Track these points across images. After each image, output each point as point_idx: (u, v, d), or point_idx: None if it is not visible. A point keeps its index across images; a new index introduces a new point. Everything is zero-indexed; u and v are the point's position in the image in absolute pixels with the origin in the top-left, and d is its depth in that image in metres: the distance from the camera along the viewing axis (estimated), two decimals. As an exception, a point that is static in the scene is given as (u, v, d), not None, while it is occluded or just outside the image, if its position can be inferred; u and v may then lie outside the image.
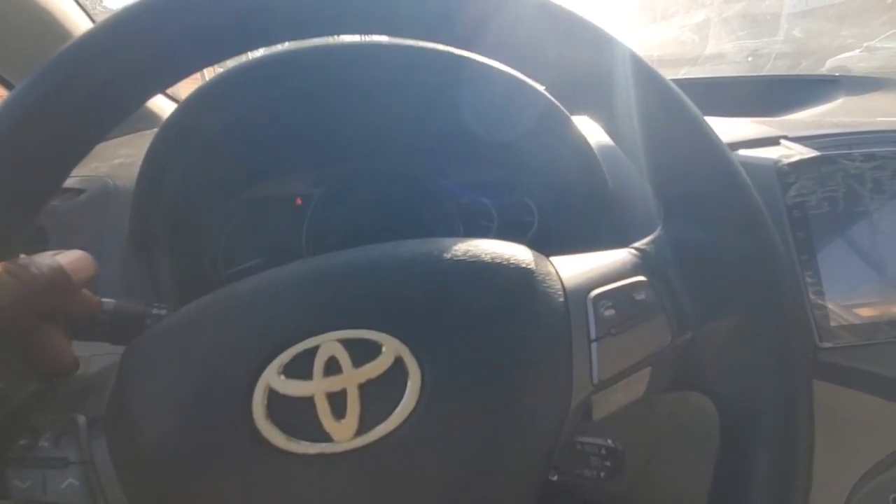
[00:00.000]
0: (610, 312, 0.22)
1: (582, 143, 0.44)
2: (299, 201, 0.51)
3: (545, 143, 0.46)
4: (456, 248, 0.23)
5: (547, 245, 0.55)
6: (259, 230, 0.51)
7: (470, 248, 0.23)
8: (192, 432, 0.20)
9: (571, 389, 0.21)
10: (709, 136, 0.23)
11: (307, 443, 0.19)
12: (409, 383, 0.20)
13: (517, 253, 0.23)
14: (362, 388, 0.20)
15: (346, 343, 0.20)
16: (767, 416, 0.23)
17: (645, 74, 0.23)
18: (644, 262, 0.24)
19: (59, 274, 0.23)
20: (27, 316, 0.22)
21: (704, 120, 0.24)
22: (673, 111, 0.23)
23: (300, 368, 0.20)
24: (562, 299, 0.22)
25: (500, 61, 0.25)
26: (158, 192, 0.42)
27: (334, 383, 0.19)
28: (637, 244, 0.26)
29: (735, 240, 0.23)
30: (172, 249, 0.44)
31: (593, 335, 0.22)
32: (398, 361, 0.20)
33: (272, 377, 0.20)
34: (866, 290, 0.37)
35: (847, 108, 0.64)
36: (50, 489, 0.20)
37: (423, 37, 0.24)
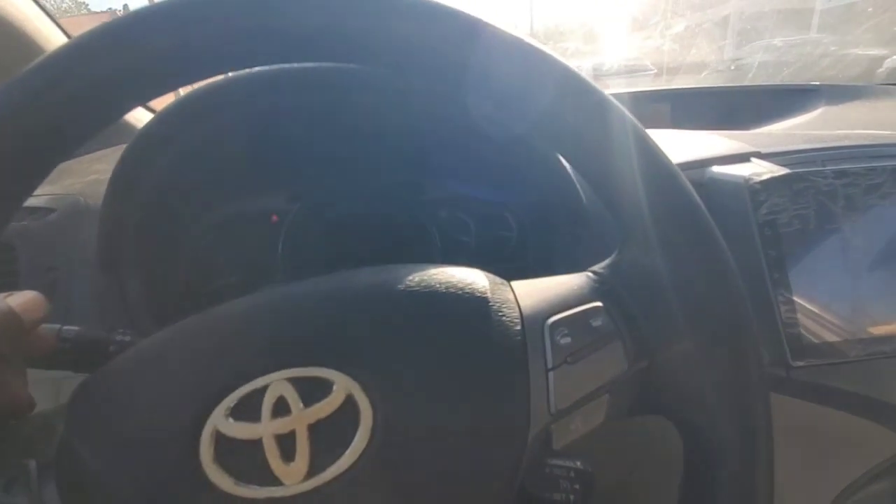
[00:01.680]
0: (566, 340, 0.22)
1: (556, 160, 0.43)
2: (275, 218, 0.50)
3: (522, 160, 0.46)
4: (410, 277, 0.22)
5: (525, 259, 0.54)
6: (234, 247, 0.50)
7: (424, 278, 0.22)
8: (139, 478, 0.19)
9: (529, 420, 0.21)
10: (660, 160, 0.23)
11: (256, 486, 0.19)
12: (360, 421, 0.19)
13: (474, 280, 0.23)
14: (312, 428, 0.19)
15: (296, 382, 0.20)
16: (725, 439, 0.23)
17: (587, 95, 0.23)
18: (601, 287, 0.24)
19: (10, 316, 0.23)
20: None
21: (653, 140, 0.23)
22: (621, 135, 0.23)
23: (248, 410, 0.19)
24: (518, 327, 0.22)
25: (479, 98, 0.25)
26: (128, 209, 0.42)
27: (283, 425, 0.19)
28: (595, 268, 0.25)
29: (688, 264, 0.23)
30: (143, 268, 0.44)
31: (550, 364, 0.21)
32: (349, 399, 0.19)
33: (219, 420, 0.19)
34: (838, 308, 0.37)
35: (826, 117, 0.64)
36: None
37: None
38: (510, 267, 0.55)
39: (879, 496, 0.38)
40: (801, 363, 0.36)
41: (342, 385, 0.20)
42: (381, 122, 0.45)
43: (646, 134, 0.23)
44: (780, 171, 0.38)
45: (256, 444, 0.19)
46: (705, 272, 0.23)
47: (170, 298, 0.47)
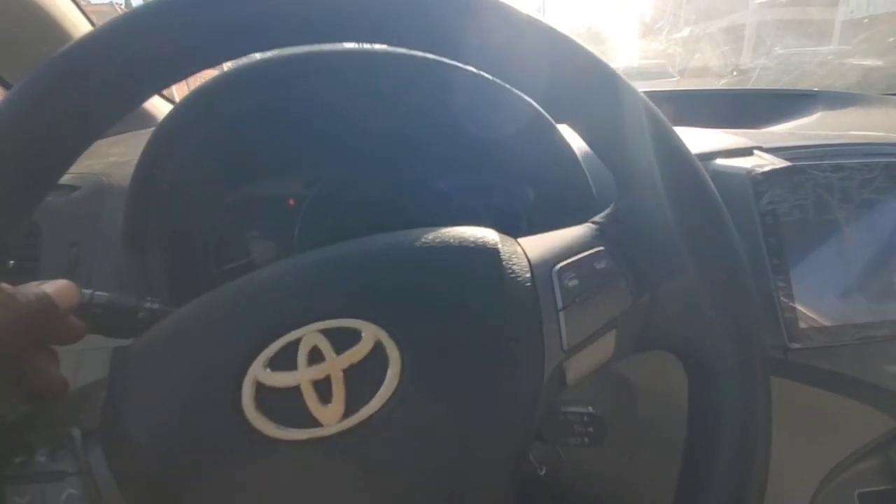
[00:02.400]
0: (574, 283, 0.23)
1: (567, 150, 0.45)
2: (292, 202, 0.52)
3: (531, 149, 0.47)
4: (426, 236, 0.24)
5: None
6: (252, 229, 0.51)
7: (438, 235, 0.24)
8: (185, 432, 0.20)
9: (544, 357, 0.22)
10: (656, 118, 0.25)
11: (297, 430, 0.20)
12: (389, 365, 0.21)
13: (484, 235, 0.25)
14: (346, 373, 0.21)
15: (327, 332, 0.21)
16: (725, 364, 0.25)
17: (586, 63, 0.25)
18: (602, 234, 0.26)
19: (46, 302, 0.23)
20: (15, 343, 0.22)
21: (646, 100, 0.25)
22: (613, 94, 0.25)
23: (285, 360, 0.21)
24: (528, 275, 0.23)
25: (489, 70, 0.27)
26: (153, 191, 0.43)
27: (319, 371, 0.21)
28: (595, 218, 0.27)
29: (683, 205, 0.25)
30: (165, 246, 0.45)
31: (560, 305, 0.23)
32: (378, 346, 0.21)
33: (259, 371, 0.21)
34: (834, 293, 0.39)
35: (824, 122, 0.67)
36: (49, 501, 0.20)
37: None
38: None
39: (866, 473, 0.40)
40: (796, 346, 0.38)
41: (370, 333, 0.21)
42: (396, 112, 0.47)
43: (641, 96, 0.25)
44: (781, 163, 0.40)
45: (295, 390, 0.20)
46: (700, 214, 0.25)
47: (189, 276, 0.48)
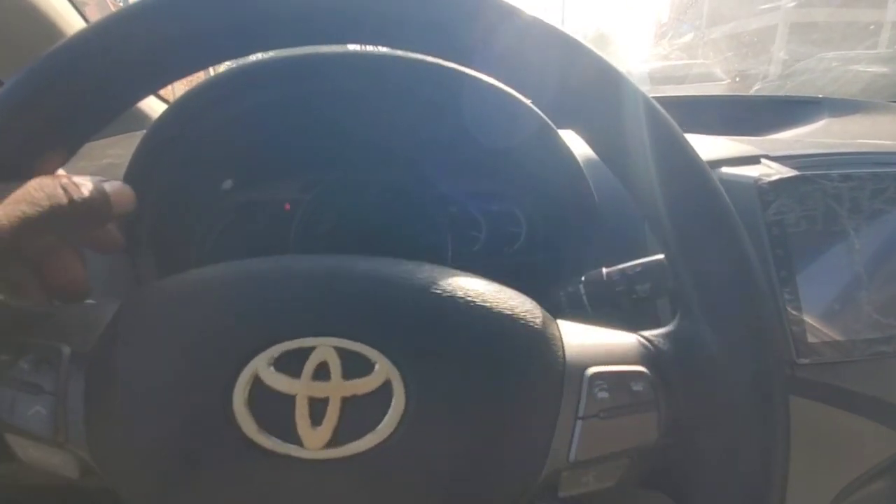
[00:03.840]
0: (603, 395, 0.22)
1: (569, 156, 0.44)
2: (287, 207, 0.51)
3: (533, 156, 0.46)
4: (475, 288, 0.23)
5: (534, 255, 0.55)
6: (246, 234, 0.50)
7: (484, 291, 0.23)
8: (168, 399, 0.20)
9: (546, 460, 0.21)
10: (738, 239, 0.23)
11: (277, 440, 0.19)
12: (390, 409, 0.20)
13: (530, 309, 0.23)
14: (345, 401, 0.19)
15: (342, 352, 0.20)
16: None
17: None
18: (649, 354, 0.24)
19: (103, 198, 0.23)
20: (57, 229, 0.22)
21: (732, 213, 0.23)
22: (709, 223, 0.23)
23: (291, 365, 0.20)
24: (560, 368, 0.22)
25: (501, 79, 0.25)
26: (145, 194, 0.42)
27: (319, 389, 0.19)
28: (647, 333, 0.25)
29: (744, 360, 0.23)
30: (157, 252, 0.44)
31: (581, 413, 0.21)
32: (386, 384, 0.20)
33: (261, 365, 0.20)
34: (844, 307, 0.38)
35: (829, 129, 0.66)
36: (17, 412, 0.20)
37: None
38: (519, 262, 0.55)
39: (878, 495, 0.39)
40: (805, 361, 0.37)
41: (383, 369, 0.20)
42: (394, 117, 0.46)
43: (730, 209, 0.23)
44: (789, 172, 0.39)
45: (289, 399, 0.19)
46: (756, 376, 0.22)
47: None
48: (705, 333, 0.23)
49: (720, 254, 0.23)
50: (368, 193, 0.52)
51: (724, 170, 0.42)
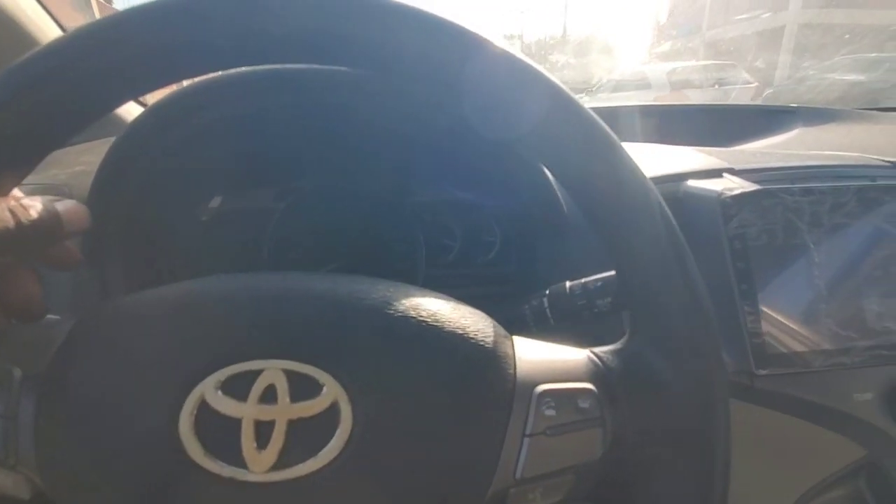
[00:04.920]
0: (550, 412, 0.22)
1: (539, 169, 0.45)
2: (262, 215, 0.51)
3: (506, 167, 0.47)
4: (424, 305, 0.23)
5: (508, 265, 0.55)
6: (219, 244, 0.50)
7: (437, 310, 0.23)
8: (115, 423, 0.20)
9: (493, 478, 0.21)
10: (682, 259, 0.24)
11: (222, 463, 0.19)
12: (337, 432, 0.20)
13: (483, 328, 0.23)
14: (291, 424, 0.20)
15: (290, 375, 0.20)
16: None
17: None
18: (598, 371, 0.24)
19: (53, 219, 0.23)
20: (8, 253, 0.22)
21: (677, 234, 0.24)
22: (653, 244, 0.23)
23: (238, 388, 0.20)
24: (510, 386, 0.22)
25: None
26: (114, 202, 0.42)
27: (266, 412, 0.20)
28: (598, 350, 0.26)
29: (689, 381, 0.23)
30: (127, 261, 0.44)
31: (529, 430, 0.22)
32: (333, 406, 0.20)
33: (208, 388, 0.20)
34: (803, 319, 0.39)
35: (802, 139, 0.67)
36: None
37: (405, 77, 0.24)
38: (492, 272, 0.56)
39: (835, 503, 0.40)
40: (764, 372, 0.37)
41: (331, 391, 0.20)
42: (368, 125, 0.46)
43: (677, 232, 0.24)
44: (751, 186, 0.40)
45: (235, 423, 0.19)
46: (702, 398, 0.23)
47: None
48: (651, 351, 0.24)
49: (664, 274, 0.23)
50: (343, 202, 0.52)
51: (690, 183, 0.43)
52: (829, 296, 0.39)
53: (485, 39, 0.22)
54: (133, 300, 0.23)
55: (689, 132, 0.69)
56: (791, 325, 0.38)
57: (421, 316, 0.23)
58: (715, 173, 0.43)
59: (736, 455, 0.39)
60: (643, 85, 5.91)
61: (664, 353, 0.24)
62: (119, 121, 0.71)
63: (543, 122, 0.23)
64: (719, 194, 0.40)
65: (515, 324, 0.39)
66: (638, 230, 0.24)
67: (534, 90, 0.23)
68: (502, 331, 0.25)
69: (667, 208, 0.24)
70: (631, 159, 0.24)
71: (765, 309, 0.38)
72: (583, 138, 0.23)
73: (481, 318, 0.24)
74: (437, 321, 0.23)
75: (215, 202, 0.49)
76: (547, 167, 0.25)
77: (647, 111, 0.73)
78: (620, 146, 0.24)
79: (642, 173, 0.24)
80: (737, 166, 0.44)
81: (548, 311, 0.36)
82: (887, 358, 0.39)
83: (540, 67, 0.23)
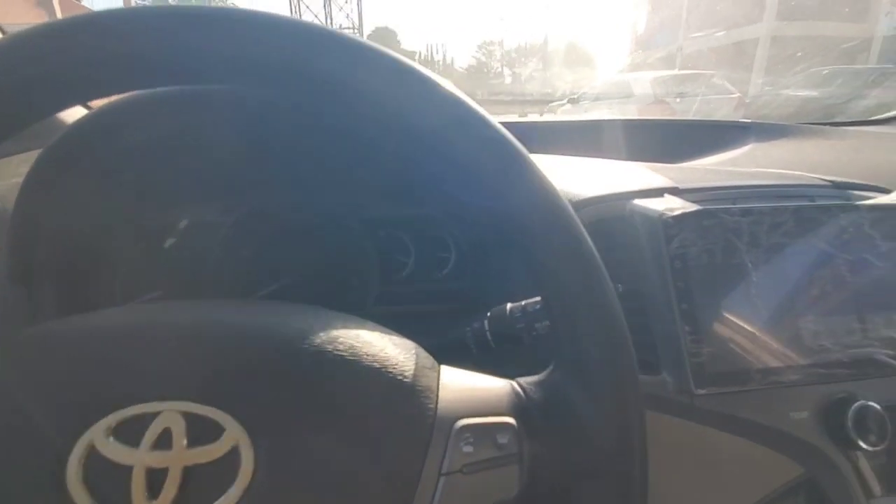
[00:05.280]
0: (468, 448, 0.21)
1: None
2: (208, 230, 0.49)
3: None
4: (342, 339, 0.22)
5: (463, 281, 0.55)
6: (163, 260, 0.49)
7: (355, 344, 0.22)
8: (2, 469, 0.19)
9: None
10: (602, 293, 0.23)
11: None
12: (236, 479, 0.19)
13: (402, 361, 0.23)
14: (186, 471, 0.19)
15: (189, 417, 0.19)
16: None
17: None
18: (520, 404, 0.24)
19: None
20: None
21: (597, 268, 0.23)
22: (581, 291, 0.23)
23: (131, 433, 0.19)
24: (429, 422, 0.22)
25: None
26: (43, 218, 0.40)
27: (159, 459, 0.19)
28: (523, 380, 0.25)
29: (605, 413, 0.23)
30: (59, 281, 0.42)
31: (445, 469, 0.21)
32: (234, 451, 0.19)
33: (98, 435, 0.19)
34: (742, 338, 0.39)
35: (752, 154, 0.68)
36: None
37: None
38: (448, 289, 0.55)
39: (774, 520, 0.40)
40: (703, 391, 0.38)
41: (232, 435, 0.19)
42: (315, 140, 0.45)
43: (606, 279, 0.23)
44: (691, 207, 0.40)
45: (126, 471, 0.18)
46: (619, 441, 0.23)
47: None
48: (569, 382, 0.24)
49: (579, 302, 0.23)
50: (294, 217, 0.51)
51: (635, 202, 0.43)
52: (767, 315, 0.40)
53: (384, 55, 0.22)
54: (31, 333, 0.22)
55: (645, 147, 0.70)
56: (730, 345, 0.39)
57: (337, 350, 0.22)
58: (659, 192, 0.43)
59: (677, 473, 0.39)
60: (626, 94, 5.92)
61: (581, 383, 0.23)
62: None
63: (443, 135, 0.22)
64: (661, 214, 0.40)
65: (457, 346, 0.38)
66: (553, 253, 0.23)
67: (431, 101, 0.22)
68: (429, 361, 0.24)
69: (583, 230, 0.24)
70: (542, 177, 0.24)
71: (704, 328, 0.39)
72: (489, 155, 0.23)
73: (405, 349, 0.24)
74: (354, 355, 0.22)
75: (156, 220, 0.48)
76: (453, 185, 0.25)
77: (602, 125, 0.74)
78: (530, 163, 0.23)
79: (555, 193, 0.24)
80: (681, 185, 0.44)
81: (488, 333, 0.36)
82: (823, 376, 0.39)
83: (441, 78, 0.23)
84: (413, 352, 0.24)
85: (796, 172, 0.51)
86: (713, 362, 0.38)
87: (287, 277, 0.50)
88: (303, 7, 25.88)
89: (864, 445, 0.37)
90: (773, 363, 0.39)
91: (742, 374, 0.38)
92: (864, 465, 0.39)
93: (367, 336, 0.23)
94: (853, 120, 1.00)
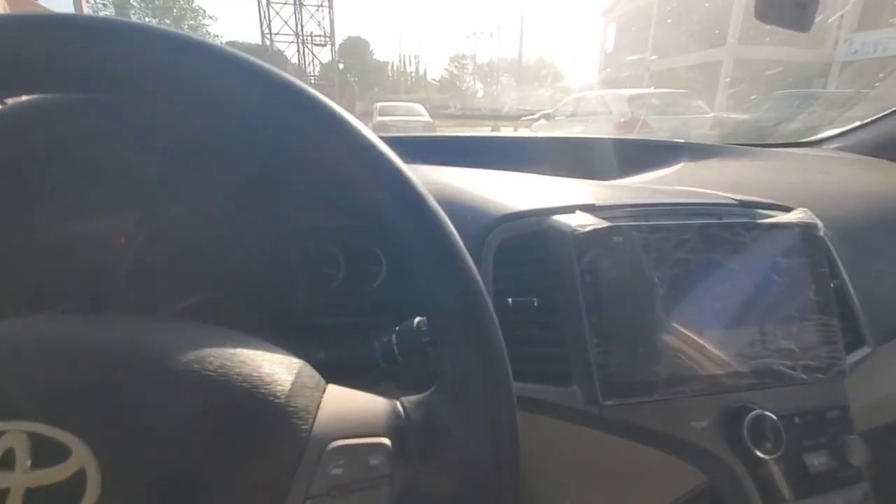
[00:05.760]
0: (338, 470, 0.21)
1: None
2: (123, 241, 0.48)
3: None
4: (216, 358, 0.21)
5: (393, 294, 0.55)
6: (70, 273, 0.47)
7: (229, 364, 0.21)
8: None
9: None
10: (479, 308, 0.24)
11: None
12: (82, 502, 0.18)
13: (277, 381, 0.22)
14: (29, 492, 0.18)
15: (35, 437, 0.18)
16: None
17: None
18: (398, 423, 0.24)
19: None
20: None
21: (475, 280, 0.24)
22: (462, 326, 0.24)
23: None
24: (301, 443, 0.21)
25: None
26: None
27: (1, 480, 0.18)
28: (407, 399, 0.25)
29: (478, 433, 0.23)
30: None
31: (312, 491, 0.21)
32: (79, 474, 0.18)
33: None
34: (648, 350, 0.40)
35: (681, 173, 0.71)
36: None
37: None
38: (379, 301, 0.55)
39: (679, 527, 0.42)
40: (610, 402, 0.39)
41: (79, 457, 0.18)
42: (232, 149, 0.45)
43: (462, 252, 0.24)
44: (603, 223, 0.42)
45: None
46: (491, 456, 0.23)
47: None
48: (447, 401, 0.24)
49: (457, 323, 0.24)
50: (214, 229, 0.50)
51: (553, 218, 0.44)
52: (673, 327, 0.41)
53: (242, 61, 0.22)
54: None
55: (584, 164, 0.72)
56: (637, 356, 0.40)
57: (206, 370, 0.21)
58: (575, 209, 0.45)
59: (587, 482, 0.40)
60: (603, 111, 5.94)
61: (456, 404, 0.24)
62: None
63: (315, 147, 0.23)
64: (573, 230, 0.41)
65: (366, 361, 0.38)
66: (429, 272, 0.24)
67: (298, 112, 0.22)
68: (313, 380, 0.24)
69: (464, 250, 0.24)
70: (421, 193, 0.24)
71: (613, 341, 0.40)
72: (369, 171, 0.23)
73: (286, 368, 0.23)
74: (224, 374, 0.21)
75: (66, 226, 0.46)
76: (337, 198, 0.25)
77: (539, 143, 0.76)
78: (410, 179, 0.24)
79: (435, 210, 0.24)
80: (598, 202, 0.46)
81: (395, 347, 0.36)
82: (724, 387, 0.41)
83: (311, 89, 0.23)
84: (295, 371, 0.24)
85: (709, 191, 0.54)
86: (621, 373, 0.39)
87: (206, 291, 0.49)
88: (272, 13, 25.57)
89: (759, 454, 0.39)
90: (678, 374, 0.40)
91: (648, 385, 0.40)
92: (772, 471, 0.41)
93: (243, 355, 0.23)
94: (785, 142, 1.06)
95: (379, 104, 9.63)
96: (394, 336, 0.37)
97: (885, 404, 0.52)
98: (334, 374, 0.40)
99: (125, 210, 0.47)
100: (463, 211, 0.47)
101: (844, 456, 0.41)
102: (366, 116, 9.27)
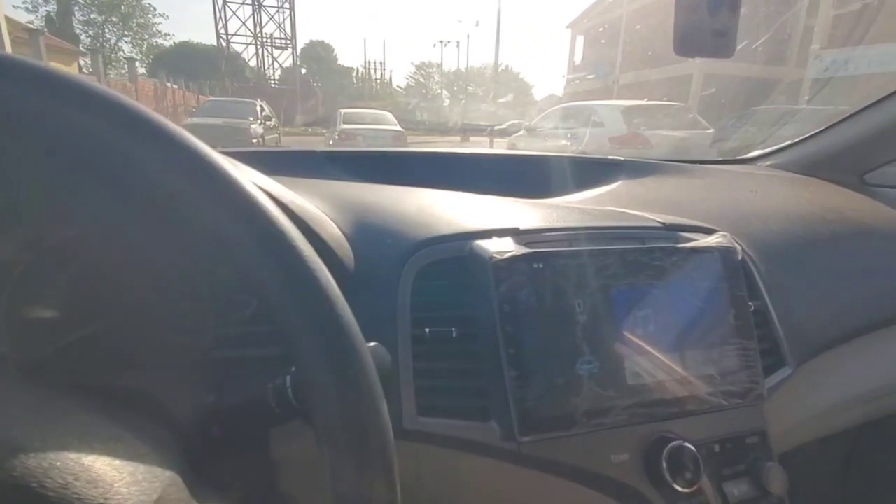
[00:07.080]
0: None
1: (328, 222, 0.42)
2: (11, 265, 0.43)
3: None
4: (60, 472, 0.18)
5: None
6: None
7: (74, 481, 0.18)
8: None
9: None
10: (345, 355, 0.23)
11: None
12: None
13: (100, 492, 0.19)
14: None
15: None
16: None
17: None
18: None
19: None
20: None
21: (342, 324, 0.23)
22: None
23: None
24: None
25: None
26: None
27: None
28: None
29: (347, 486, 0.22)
30: None
31: None
32: None
33: None
34: (568, 382, 0.39)
35: (618, 191, 0.72)
36: None
37: None
38: None
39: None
40: (527, 439, 0.37)
41: None
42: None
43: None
44: (522, 250, 0.40)
45: None
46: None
47: None
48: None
49: (327, 383, 0.22)
50: (110, 252, 0.46)
51: (476, 242, 0.42)
52: (593, 357, 0.40)
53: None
54: None
55: (521, 181, 0.71)
56: (556, 389, 0.39)
57: (44, 486, 0.18)
58: (499, 233, 0.43)
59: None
60: (594, 123, 5.42)
61: (332, 451, 0.22)
62: None
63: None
64: (491, 257, 0.40)
65: (259, 404, 0.35)
66: (293, 311, 0.22)
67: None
68: (147, 479, 0.21)
69: (335, 289, 0.23)
70: (278, 219, 0.22)
71: (532, 373, 0.38)
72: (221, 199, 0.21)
73: (145, 489, 0.20)
74: (63, 500, 0.18)
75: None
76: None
77: (479, 159, 0.75)
78: (258, 199, 0.23)
79: (294, 243, 0.23)
80: (523, 226, 0.45)
81: (289, 390, 0.33)
82: (644, 416, 0.40)
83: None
84: (156, 493, 0.21)
85: (637, 213, 0.54)
86: (539, 408, 0.38)
87: (101, 322, 0.45)
88: (228, 13, 24.85)
89: (677, 488, 0.38)
90: (597, 406, 0.39)
91: (567, 419, 0.38)
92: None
93: (94, 471, 0.19)
94: (723, 159, 1.09)
95: (343, 111, 9.05)
96: (288, 378, 0.34)
97: (807, 424, 0.53)
98: (224, 420, 0.36)
99: (10, 231, 0.42)
100: (384, 234, 0.45)
101: (764, 484, 0.41)
102: (329, 124, 9.10)
